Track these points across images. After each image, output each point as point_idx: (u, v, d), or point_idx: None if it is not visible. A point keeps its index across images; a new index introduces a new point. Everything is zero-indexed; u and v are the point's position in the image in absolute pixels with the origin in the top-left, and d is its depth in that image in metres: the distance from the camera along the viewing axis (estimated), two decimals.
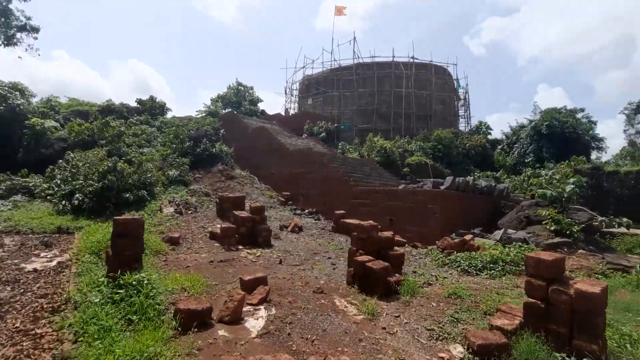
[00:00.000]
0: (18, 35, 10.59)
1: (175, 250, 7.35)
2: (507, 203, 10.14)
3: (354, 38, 25.55)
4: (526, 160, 18.43)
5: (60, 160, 13.33)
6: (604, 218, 8.57)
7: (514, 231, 8.35)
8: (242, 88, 31.02)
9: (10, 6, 10.14)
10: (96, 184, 10.59)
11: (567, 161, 16.65)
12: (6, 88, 16.67)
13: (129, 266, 4.41)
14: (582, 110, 37.32)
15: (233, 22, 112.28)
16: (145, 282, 3.95)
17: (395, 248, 6.74)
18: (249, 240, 8.28)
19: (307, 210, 12.57)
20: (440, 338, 3.86)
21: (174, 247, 7.57)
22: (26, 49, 10.77)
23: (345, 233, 9.98)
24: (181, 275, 5.41)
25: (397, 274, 5.69)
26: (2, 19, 10.12)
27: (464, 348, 3.57)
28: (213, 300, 4.57)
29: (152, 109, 21.83)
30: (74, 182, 10.93)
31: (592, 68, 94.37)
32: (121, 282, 3.96)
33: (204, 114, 24.58)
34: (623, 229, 9.39)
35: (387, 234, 9.30)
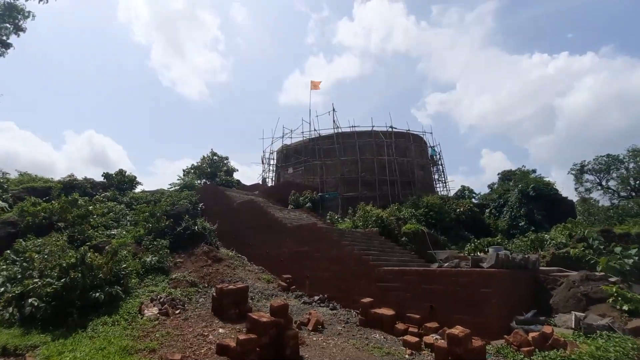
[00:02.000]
0: None
1: None
2: (548, 277, 9.21)
3: (333, 109, 26.23)
4: (520, 224, 18.33)
5: (8, 251, 10.74)
6: None
7: (582, 314, 7.27)
8: (217, 158, 29.92)
9: None
10: (56, 283, 8.25)
11: (562, 224, 16.67)
12: None
13: None
14: (534, 171, 40.29)
15: (200, 97, 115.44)
16: None
17: None
18: (273, 352, 6.36)
19: (317, 298, 10.74)
20: None
21: None
22: None
23: (377, 327, 8.29)
24: None
25: None
26: None
27: None
28: None
29: (120, 183, 19.69)
30: (27, 281, 8.48)
31: (523, 134, 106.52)
32: None
33: (177, 187, 22.69)
34: None
35: (432, 324, 7.83)
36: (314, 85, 29.53)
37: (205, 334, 7.58)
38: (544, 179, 20.66)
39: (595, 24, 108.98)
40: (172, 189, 22.61)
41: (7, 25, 8.04)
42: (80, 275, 8.19)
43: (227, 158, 30.51)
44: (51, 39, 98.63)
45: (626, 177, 38.68)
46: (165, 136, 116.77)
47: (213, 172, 27.96)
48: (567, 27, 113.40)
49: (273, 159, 31.04)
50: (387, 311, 8.37)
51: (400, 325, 7.97)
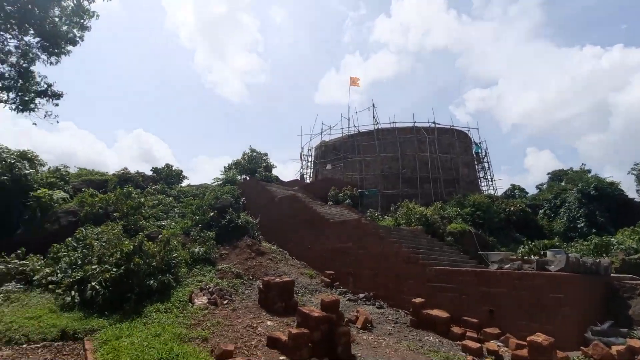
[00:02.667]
0: (37, 100, 9.40)
1: None
2: (623, 285, 8.26)
3: (373, 105, 25.71)
4: (578, 226, 16.83)
5: (69, 238, 11.45)
6: None
7: None
8: (256, 154, 30.40)
9: (33, 68, 9.11)
10: (114, 269, 8.62)
11: (631, 227, 15.10)
12: (13, 156, 15.44)
13: None
14: (589, 171, 36.85)
15: (240, 98, 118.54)
16: None
17: None
18: (324, 349, 6.16)
19: (362, 295, 10.45)
20: None
21: None
22: (45, 115, 9.47)
23: (430, 329, 7.84)
24: None
25: None
26: (21, 82, 9.00)
27: None
28: None
29: (168, 177, 20.54)
30: (87, 267, 8.96)
31: (573, 132, 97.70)
32: None
33: (220, 182, 23.33)
34: None
35: (492, 330, 7.26)
36: (353, 82, 29.11)
37: (254, 325, 7.55)
38: (607, 179, 18.82)
39: None
40: (215, 183, 23.27)
41: (74, 24, 8.53)
42: (141, 262, 8.50)
43: (266, 154, 30.89)
44: (105, 44, 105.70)
45: None
46: (206, 134, 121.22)
47: (252, 168, 28.42)
48: (621, 18, 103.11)
49: (311, 155, 31.07)
50: (440, 313, 7.90)
51: (456, 329, 7.48)
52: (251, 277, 11.56)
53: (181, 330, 6.61)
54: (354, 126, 25.85)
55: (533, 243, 16.07)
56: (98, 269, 8.77)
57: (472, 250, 16.32)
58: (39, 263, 10.49)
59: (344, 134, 26.41)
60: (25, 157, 16.36)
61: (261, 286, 9.05)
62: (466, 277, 8.16)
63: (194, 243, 12.97)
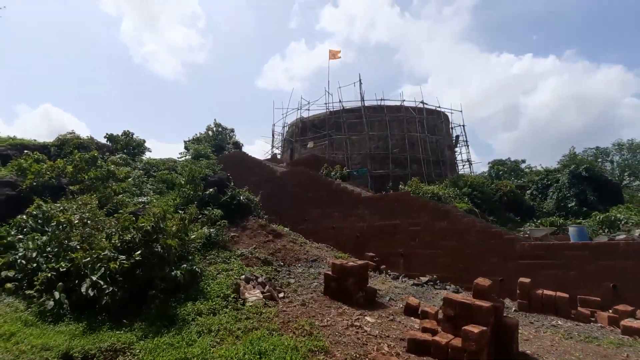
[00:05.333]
0: None
1: None
2: None
3: (360, 81, 24.06)
4: (569, 205, 17.47)
5: (22, 216, 7.89)
6: None
7: None
8: (222, 129, 26.99)
9: None
10: (123, 257, 5.79)
11: (625, 205, 15.93)
12: None
13: None
14: (524, 161, 40.41)
15: (175, 76, 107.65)
16: None
17: None
18: (494, 348, 4.48)
19: (423, 279, 8.92)
20: None
21: None
22: None
23: (548, 312, 6.62)
24: None
25: None
26: None
27: None
28: None
29: (127, 147, 16.55)
30: (76, 255, 5.91)
31: (489, 129, 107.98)
32: None
33: (188, 157, 19.83)
34: None
35: (624, 308, 6.27)
36: (333, 55, 27.12)
37: (355, 324, 5.53)
38: (593, 162, 19.97)
39: (560, 28, 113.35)
40: (182, 158, 19.75)
41: None
42: (173, 244, 5.83)
43: (232, 130, 27.63)
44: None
45: (609, 170, 39.76)
46: (133, 114, 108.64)
47: (219, 144, 25.03)
48: (533, 29, 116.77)
49: (283, 134, 28.61)
50: (556, 293, 6.71)
51: (583, 310, 6.36)
52: (282, 263, 9.30)
53: (289, 342, 4.35)
54: (339, 101, 24.07)
55: (539, 220, 16.24)
56: (95, 256, 5.84)
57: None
58: None
59: (327, 110, 24.47)
60: None
61: (331, 273, 6.95)
62: (577, 252, 7.10)
63: (195, 223, 10.16)
